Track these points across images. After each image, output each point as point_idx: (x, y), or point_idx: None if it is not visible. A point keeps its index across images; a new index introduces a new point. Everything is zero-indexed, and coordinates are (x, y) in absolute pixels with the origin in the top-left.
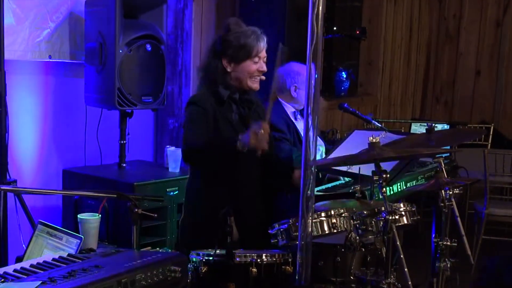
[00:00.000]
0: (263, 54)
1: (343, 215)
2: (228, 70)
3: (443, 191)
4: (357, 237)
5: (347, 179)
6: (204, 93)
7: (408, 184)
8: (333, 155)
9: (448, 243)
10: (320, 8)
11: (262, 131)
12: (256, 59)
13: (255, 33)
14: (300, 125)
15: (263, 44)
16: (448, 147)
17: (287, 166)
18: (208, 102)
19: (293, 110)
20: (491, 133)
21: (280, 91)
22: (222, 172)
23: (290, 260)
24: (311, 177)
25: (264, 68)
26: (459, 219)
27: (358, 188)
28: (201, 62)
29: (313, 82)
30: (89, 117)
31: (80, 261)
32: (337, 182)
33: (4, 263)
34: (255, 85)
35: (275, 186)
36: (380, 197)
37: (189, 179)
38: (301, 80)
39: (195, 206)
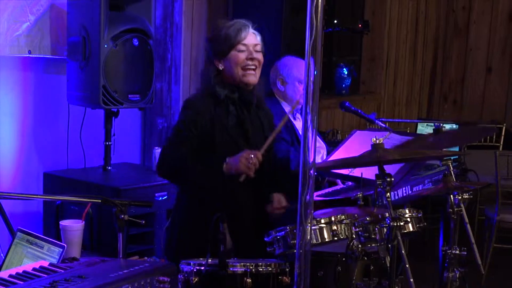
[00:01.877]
0: (250, 41)
1: (344, 221)
2: (221, 68)
3: (451, 196)
4: (359, 245)
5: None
6: (201, 95)
7: (414, 189)
8: (333, 157)
9: (457, 252)
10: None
11: (255, 160)
12: (242, 47)
13: (237, 23)
14: (298, 124)
15: (245, 33)
16: (457, 149)
17: (284, 166)
18: (204, 105)
19: (289, 108)
20: (502, 133)
21: (273, 87)
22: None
23: (287, 270)
24: (310, 181)
25: (254, 55)
26: (468, 226)
27: (361, 194)
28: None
29: (312, 79)
30: (72, 117)
31: (62, 271)
32: (338, 187)
33: None
34: (249, 78)
35: (272, 188)
36: (384, 202)
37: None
38: (288, 73)
39: (184, 212)
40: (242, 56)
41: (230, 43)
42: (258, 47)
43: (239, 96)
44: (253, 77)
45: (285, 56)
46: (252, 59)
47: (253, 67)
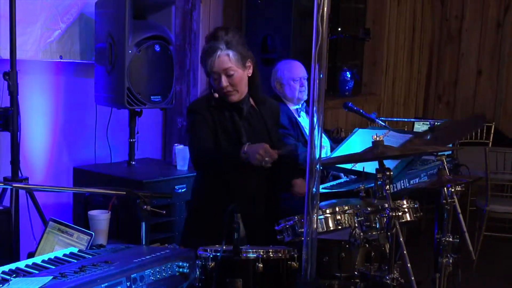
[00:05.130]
0: (219, 67)
1: (347, 212)
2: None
3: (445, 188)
4: (361, 233)
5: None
6: (201, 99)
7: (411, 182)
8: (337, 153)
9: (450, 239)
10: (325, 9)
11: (269, 160)
12: (214, 75)
13: (210, 48)
14: (304, 121)
15: (213, 60)
16: (450, 145)
17: (292, 160)
18: (205, 108)
19: (295, 107)
20: (492, 131)
21: (274, 90)
22: (228, 171)
23: (295, 256)
24: (316, 175)
25: (222, 84)
26: (461, 216)
27: (363, 187)
28: None
29: (317, 82)
30: (99, 116)
31: (90, 256)
32: (341, 180)
33: (16, 259)
34: (229, 98)
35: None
36: (384, 194)
37: (195, 178)
38: (282, 75)
39: (200, 204)
40: (217, 83)
41: (205, 70)
42: (230, 70)
43: (229, 104)
44: (233, 97)
45: (281, 61)
46: (222, 87)
47: (228, 93)
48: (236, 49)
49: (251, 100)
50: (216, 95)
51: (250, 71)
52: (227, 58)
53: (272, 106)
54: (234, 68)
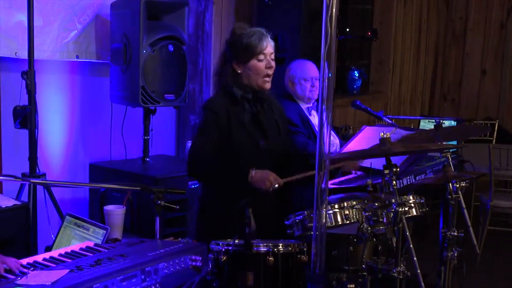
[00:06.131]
0: (268, 51)
1: (355, 207)
2: (239, 71)
3: (450, 184)
4: (369, 228)
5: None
6: (218, 96)
7: (417, 178)
8: (346, 150)
9: (455, 234)
10: (334, 10)
11: (277, 187)
12: (261, 57)
13: (258, 32)
14: (314, 120)
15: (265, 43)
16: (455, 143)
17: (302, 157)
18: (222, 105)
19: (306, 106)
20: (495, 129)
21: (287, 89)
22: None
23: (305, 249)
24: (325, 171)
25: (271, 64)
26: (465, 210)
27: (370, 182)
28: (214, 69)
29: (326, 81)
30: (114, 114)
31: (106, 250)
32: (350, 176)
33: (34, 253)
34: (266, 84)
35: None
36: (391, 189)
37: None
38: (294, 74)
39: (212, 200)
40: (261, 64)
41: (252, 52)
42: (273, 55)
43: (253, 96)
44: (269, 84)
45: (295, 60)
46: (270, 67)
47: (270, 74)
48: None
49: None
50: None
51: None
52: (272, 44)
53: (276, 102)
54: (273, 54)
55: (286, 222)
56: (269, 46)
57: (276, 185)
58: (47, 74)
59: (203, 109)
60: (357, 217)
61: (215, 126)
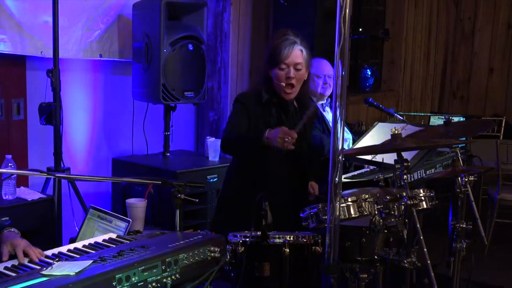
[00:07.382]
0: (292, 60)
1: (368, 200)
2: (270, 75)
3: (459, 178)
4: (381, 220)
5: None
6: (249, 92)
7: (427, 172)
8: (359, 145)
9: (464, 226)
10: (347, 11)
11: (291, 140)
12: (283, 66)
13: (286, 40)
14: (328, 116)
15: (289, 51)
16: (464, 138)
17: (318, 150)
18: (251, 101)
19: (320, 103)
20: (503, 125)
21: None
22: (256, 158)
23: (319, 241)
24: (339, 165)
25: (291, 75)
26: (474, 203)
27: (382, 177)
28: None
29: (340, 79)
30: (136, 111)
31: (128, 242)
32: (362, 170)
33: (59, 244)
34: (286, 95)
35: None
36: (402, 183)
37: (228, 169)
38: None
39: (231, 193)
40: (283, 74)
41: (275, 60)
42: (300, 65)
43: (278, 102)
44: (289, 95)
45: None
46: (288, 78)
47: (289, 86)
48: (306, 49)
49: (295, 102)
50: (265, 95)
51: (307, 75)
52: (300, 53)
53: (312, 111)
54: (303, 64)
55: (301, 215)
56: (293, 56)
57: (287, 139)
58: (71, 72)
59: (235, 102)
60: (370, 210)
61: (245, 116)
